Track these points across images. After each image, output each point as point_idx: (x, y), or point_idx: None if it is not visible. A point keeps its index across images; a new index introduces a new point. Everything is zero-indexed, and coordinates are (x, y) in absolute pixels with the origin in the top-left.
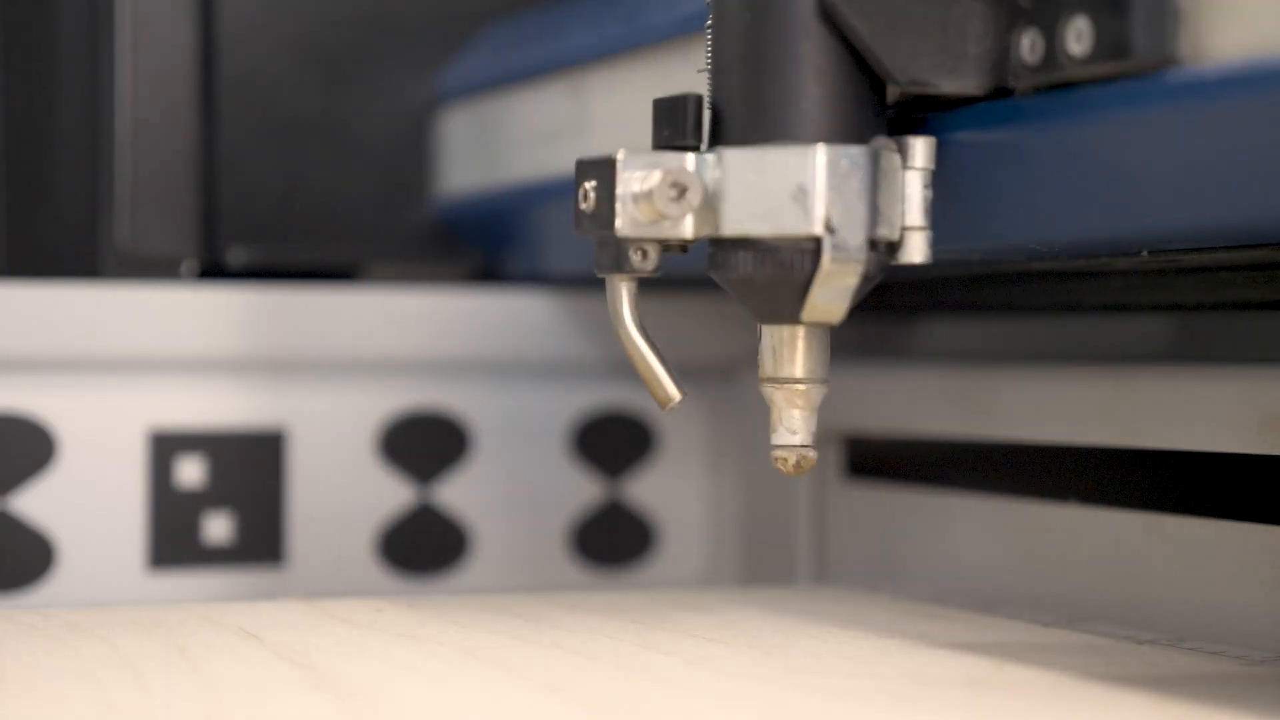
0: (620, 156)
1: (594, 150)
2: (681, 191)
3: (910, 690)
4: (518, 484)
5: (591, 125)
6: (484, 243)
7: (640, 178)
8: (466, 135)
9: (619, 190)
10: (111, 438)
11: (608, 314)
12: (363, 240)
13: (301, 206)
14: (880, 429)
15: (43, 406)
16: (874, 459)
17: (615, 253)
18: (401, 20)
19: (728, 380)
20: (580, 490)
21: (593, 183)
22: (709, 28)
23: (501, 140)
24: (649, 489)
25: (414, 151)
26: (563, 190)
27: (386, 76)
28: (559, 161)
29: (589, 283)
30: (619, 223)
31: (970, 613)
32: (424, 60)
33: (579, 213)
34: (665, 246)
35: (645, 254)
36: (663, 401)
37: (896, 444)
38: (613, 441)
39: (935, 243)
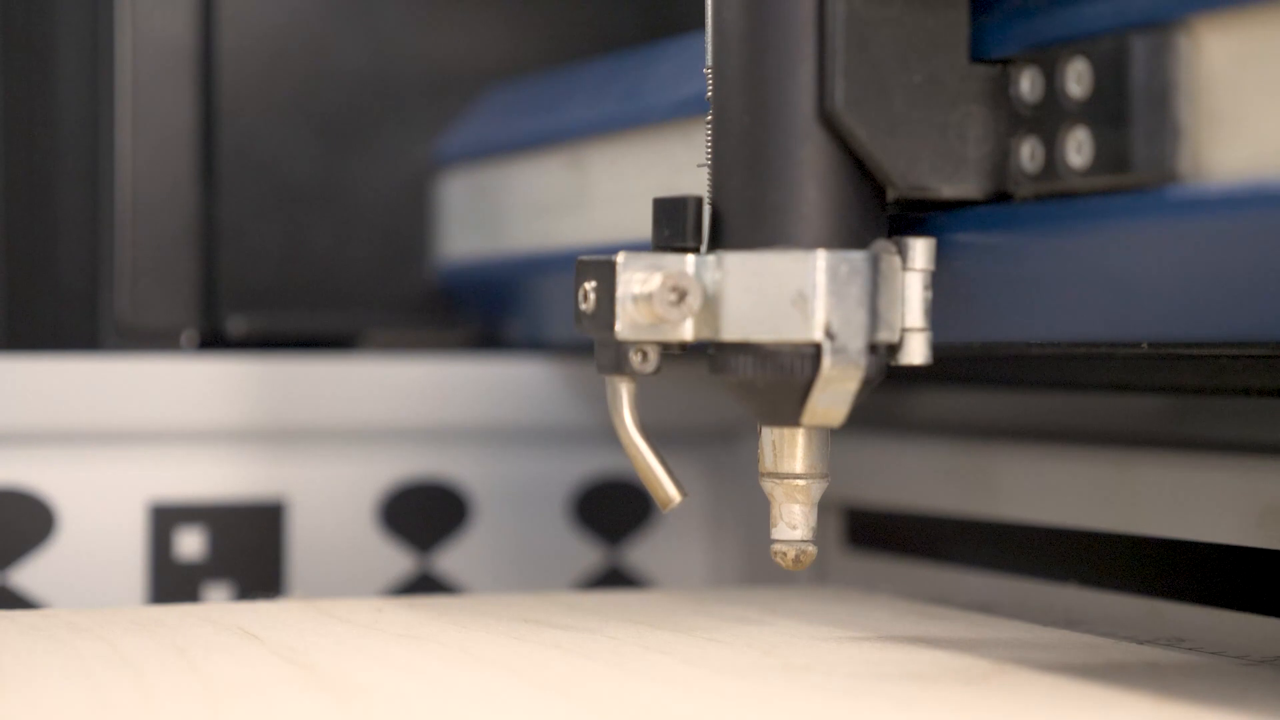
0: (620, 259)
1: (594, 224)
2: (681, 296)
3: (910, 690)
4: (518, 551)
5: (591, 199)
6: (484, 309)
7: (640, 279)
8: (466, 201)
9: (619, 292)
10: (111, 510)
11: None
12: (363, 306)
13: (301, 274)
14: (881, 501)
15: (42, 480)
16: (874, 530)
17: (615, 354)
18: (400, 86)
19: (727, 446)
20: (580, 557)
21: (593, 283)
22: (709, 123)
23: (501, 208)
24: (649, 556)
25: (414, 216)
26: (563, 263)
27: (386, 142)
28: (559, 233)
29: (589, 351)
30: (619, 325)
31: (970, 613)
32: (424, 125)
33: (579, 312)
34: (665, 347)
35: (645, 356)
36: (664, 503)
37: (897, 517)
38: (612, 509)
39: (934, 335)
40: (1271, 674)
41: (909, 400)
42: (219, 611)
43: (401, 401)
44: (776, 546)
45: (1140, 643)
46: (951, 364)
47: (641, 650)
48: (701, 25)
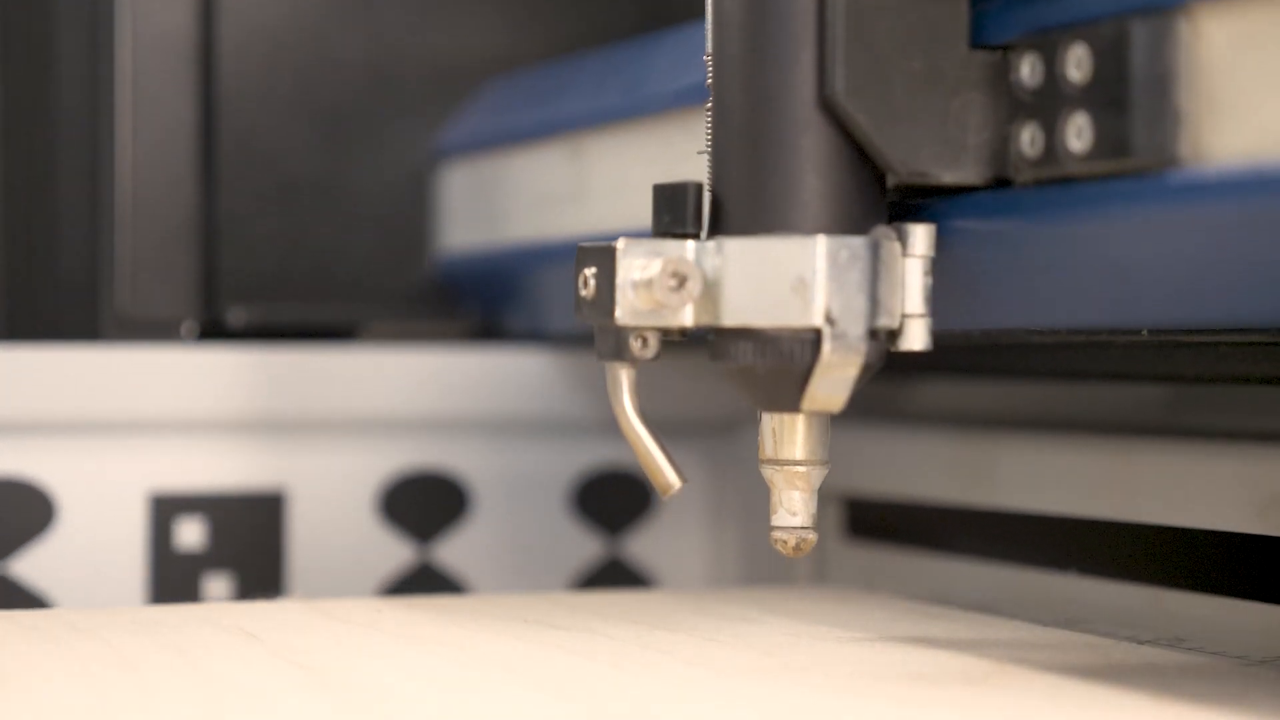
0: (620, 245)
1: (594, 214)
2: (681, 281)
3: (910, 690)
4: (518, 542)
5: (591, 190)
6: (484, 300)
7: (641, 265)
8: (467, 193)
9: (619, 279)
10: (111, 500)
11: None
12: (363, 298)
13: (301, 266)
14: (881, 491)
15: (42, 470)
16: (874, 520)
17: (615, 341)
18: (400, 79)
19: (727, 437)
20: (580, 548)
21: (593, 270)
22: (709, 109)
23: (501, 200)
24: (649, 547)
25: (414, 208)
26: (563, 253)
27: (386, 135)
28: (559, 224)
29: (589, 341)
30: (619, 312)
31: (970, 613)
32: (424, 117)
33: (579, 299)
34: (665, 333)
35: (645, 342)
36: (663, 489)
37: (897, 507)
38: (612, 499)
39: (935, 322)
40: (1271, 674)
41: (909, 390)
42: (219, 612)
43: (401, 392)
44: (776, 534)
45: (1140, 643)
46: (951, 354)
47: (641, 650)
48: (700, 16)
